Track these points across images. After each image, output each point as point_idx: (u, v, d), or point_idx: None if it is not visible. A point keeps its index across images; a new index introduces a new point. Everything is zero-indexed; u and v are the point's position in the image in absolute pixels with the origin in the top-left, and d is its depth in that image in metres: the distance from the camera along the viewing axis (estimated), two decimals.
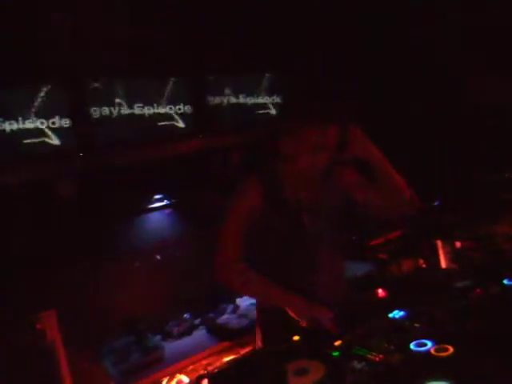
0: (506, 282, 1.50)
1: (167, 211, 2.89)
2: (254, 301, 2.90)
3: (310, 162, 1.49)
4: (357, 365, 1.18)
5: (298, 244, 1.59)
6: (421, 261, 2.19)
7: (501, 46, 2.97)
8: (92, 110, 2.48)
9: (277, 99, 3.26)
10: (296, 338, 1.42)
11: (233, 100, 3.09)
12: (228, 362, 2.35)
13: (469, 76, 3.20)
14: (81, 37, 2.43)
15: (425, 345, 1.19)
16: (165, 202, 2.84)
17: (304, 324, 1.48)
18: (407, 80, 3.36)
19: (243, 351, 2.49)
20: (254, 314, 2.66)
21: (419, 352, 1.17)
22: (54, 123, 2.36)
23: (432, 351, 1.16)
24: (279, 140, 1.56)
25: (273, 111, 3.24)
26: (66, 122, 2.39)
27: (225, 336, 2.56)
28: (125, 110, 2.62)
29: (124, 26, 2.55)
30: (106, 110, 2.54)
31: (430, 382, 1.00)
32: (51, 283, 2.34)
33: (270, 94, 3.25)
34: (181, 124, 2.84)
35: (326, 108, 1.53)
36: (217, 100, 3.01)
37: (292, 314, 1.50)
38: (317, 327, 1.42)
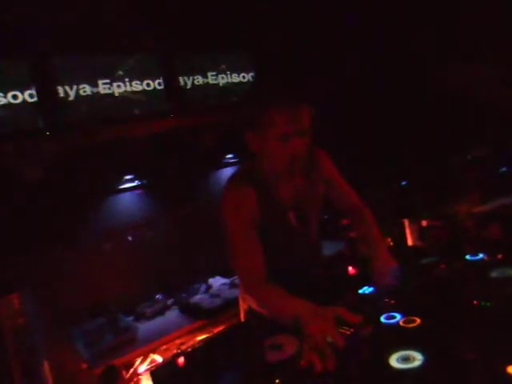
0: (468, 257, 1.59)
1: (138, 192, 2.85)
2: (225, 280, 2.93)
3: (284, 152, 1.39)
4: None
5: (287, 243, 1.56)
6: (389, 239, 2.26)
7: (460, 33, 3.04)
8: (58, 88, 2.39)
9: (249, 79, 3.24)
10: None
11: (204, 79, 3.04)
12: (203, 340, 2.39)
13: (433, 62, 3.27)
14: (47, 13, 2.31)
15: (394, 317, 1.25)
16: (135, 183, 2.80)
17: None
18: (374, 65, 3.41)
19: (216, 330, 2.52)
20: (226, 293, 2.70)
21: (389, 324, 1.23)
22: (16, 97, 2.26)
23: (401, 323, 1.22)
24: (245, 136, 1.45)
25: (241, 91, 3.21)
26: (31, 98, 2.29)
27: (198, 315, 2.58)
28: (93, 89, 2.53)
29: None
30: (73, 89, 2.45)
31: (399, 351, 1.06)
32: (21, 267, 2.27)
33: (242, 74, 3.22)
34: (151, 103, 2.78)
35: (294, 87, 1.40)
36: (188, 79, 2.96)
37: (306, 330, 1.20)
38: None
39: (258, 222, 1.47)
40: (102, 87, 2.57)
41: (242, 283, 1.52)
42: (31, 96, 2.31)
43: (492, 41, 2.97)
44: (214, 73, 3.08)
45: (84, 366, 2.27)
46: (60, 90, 2.41)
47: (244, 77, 3.22)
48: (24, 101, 2.30)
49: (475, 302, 1.25)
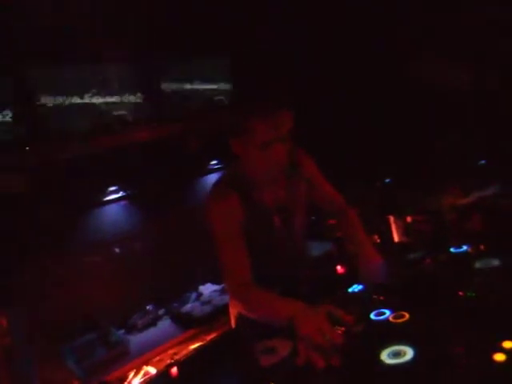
0: (452, 249, 1.62)
1: (123, 203, 2.82)
2: (216, 287, 2.92)
3: (265, 158, 1.40)
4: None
5: (272, 246, 1.57)
6: (375, 236, 2.30)
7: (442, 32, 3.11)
8: (38, 99, 2.36)
9: (228, 86, 3.24)
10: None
11: (184, 86, 3.05)
12: (196, 348, 2.37)
13: (412, 59, 3.33)
14: (27, 22, 2.28)
15: (383, 314, 1.27)
16: (120, 194, 2.77)
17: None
18: (356, 62, 3.45)
19: (209, 338, 2.51)
20: (217, 300, 2.70)
21: (379, 321, 1.25)
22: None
23: (390, 319, 1.23)
24: (229, 140, 1.45)
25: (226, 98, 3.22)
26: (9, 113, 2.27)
27: (190, 324, 2.56)
28: (74, 100, 2.52)
29: (75, 9, 2.40)
30: (54, 100, 2.43)
31: (390, 346, 1.07)
32: (6, 282, 2.23)
33: (223, 80, 3.23)
34: (132, 112, 2.77)
35: (273, 93, 1.41)
36: (168, 86, 2.96)
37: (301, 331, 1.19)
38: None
39: (243, 225, 1.47)
40: (84, 98, 2.56)
41: (229, 288, 1.52)
42: (9, 108, 2.29)
43: (470, 39, 3.03)
44: (197, 79, 3.09)
45: (75, 383, 2.24)
46: (40, 101, 2.39)
47: (226, 83, 3.23)
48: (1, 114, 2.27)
49: (461, 293, 1.27)
